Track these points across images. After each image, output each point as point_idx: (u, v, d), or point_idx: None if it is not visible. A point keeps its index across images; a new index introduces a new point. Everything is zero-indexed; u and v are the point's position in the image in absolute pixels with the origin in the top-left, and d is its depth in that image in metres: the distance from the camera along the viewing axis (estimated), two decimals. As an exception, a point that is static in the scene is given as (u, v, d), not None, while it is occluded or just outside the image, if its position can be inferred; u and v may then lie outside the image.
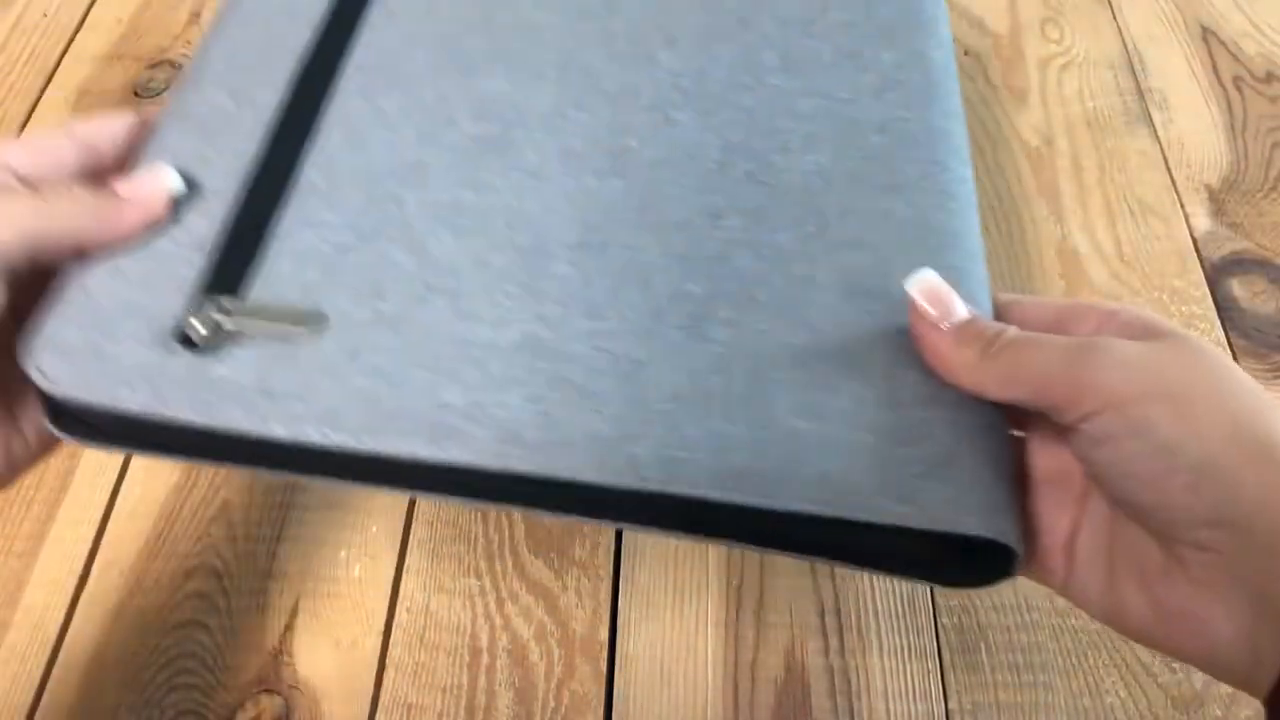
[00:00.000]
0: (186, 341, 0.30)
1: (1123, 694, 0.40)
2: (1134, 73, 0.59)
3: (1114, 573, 0.27)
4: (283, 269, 0.33)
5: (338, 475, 0.31)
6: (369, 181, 0.35)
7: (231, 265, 0.32)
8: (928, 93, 0.39)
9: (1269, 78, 0.59)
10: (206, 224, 0.33)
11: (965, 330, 0.28)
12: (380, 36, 0.39)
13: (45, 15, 0.64)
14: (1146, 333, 0.27)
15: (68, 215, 0.30)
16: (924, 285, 0.30)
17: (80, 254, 0.31)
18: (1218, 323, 0.49)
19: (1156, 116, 0.57)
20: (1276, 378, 0.47)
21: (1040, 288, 0.50)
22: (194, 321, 0.30)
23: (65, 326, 0.30)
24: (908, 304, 0.30)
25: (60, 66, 0.62)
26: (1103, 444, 0.25)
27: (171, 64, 0.62)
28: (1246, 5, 0.62)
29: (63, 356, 0.30)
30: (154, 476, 0.45)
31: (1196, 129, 0.56)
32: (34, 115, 0.59)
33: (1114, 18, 0.62)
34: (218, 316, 0.30)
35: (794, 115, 0.38)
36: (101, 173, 0.33)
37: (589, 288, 0.33)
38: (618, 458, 0.29)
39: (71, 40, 0.63)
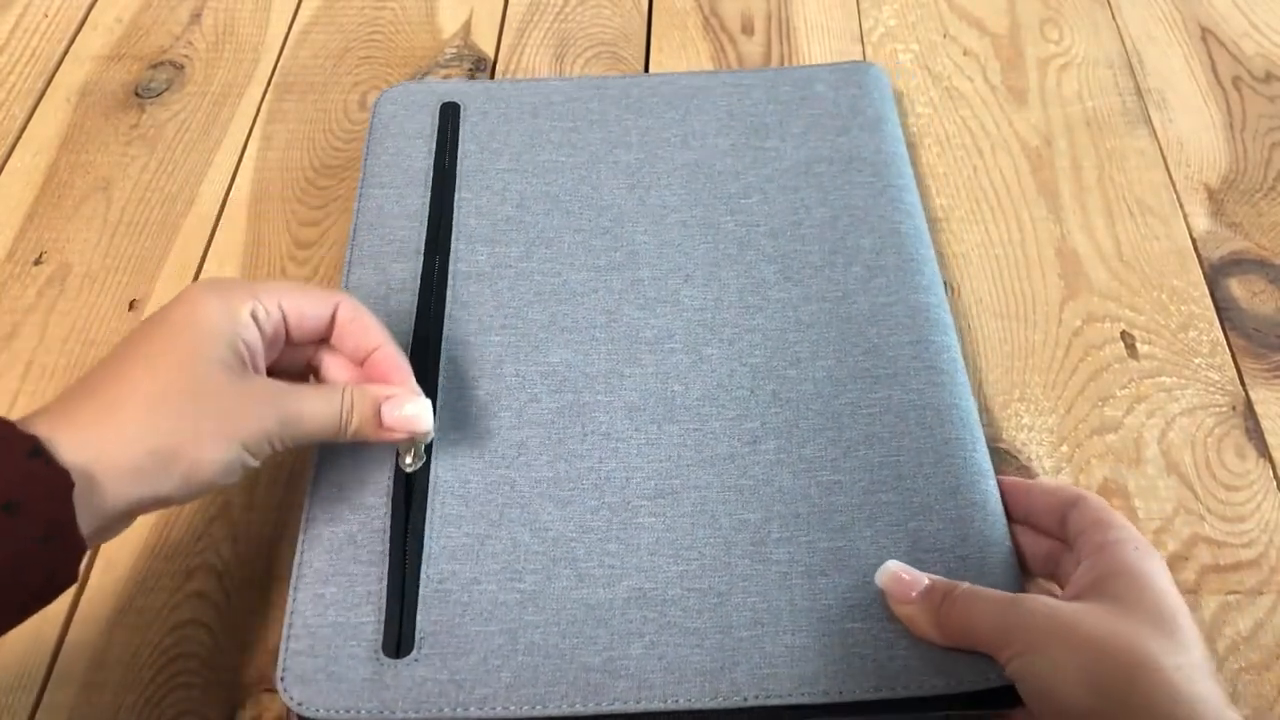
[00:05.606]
0: (389, 651, 0.36)
1: None
2: (1133, 73, 0.59)
3: None
4: (442, 569, 0.38)
5: None
6: (485, 469, 0.40)
7: (406, 574, 0.37)
8: (904, 269, 0.45)
9: (1268, 77, 0.59)
10: (378, 538, 0.38)
11: (928, 597, 0.35)
12: (460, 328, 0.44)
13: (46, 16, 0.65)
14: (1091, 590, 0.33)
15: (329, 419, 0.35)
16: (889, 575, 0.36)
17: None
18: (1217, 323, 0.49)
19: (1156, 116, 0.57)
20: (1276, 377, 0.47)
21: (1040, 288, 0.50)
22: (395, 640, 0.36)
23: (298, 659, 0.36)
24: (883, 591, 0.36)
25: (61, 67, 0.62)
26: (1017, 680, 0.33)
27: (172, 64, 0.62)
28: (1246, 5, 0.62)
29: (306, 685, 0.35)
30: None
31: (1196, 129, 0.56)
32: (35, 115, 0.59)
33: (1113, 18, 0.62)
34: (414, 632, 0.36)
35: (799, 325, 0.44)
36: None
37: (671, 532, 0.38)
38: (722, 684, 0.35)
39: (72, 41, 0.63)
